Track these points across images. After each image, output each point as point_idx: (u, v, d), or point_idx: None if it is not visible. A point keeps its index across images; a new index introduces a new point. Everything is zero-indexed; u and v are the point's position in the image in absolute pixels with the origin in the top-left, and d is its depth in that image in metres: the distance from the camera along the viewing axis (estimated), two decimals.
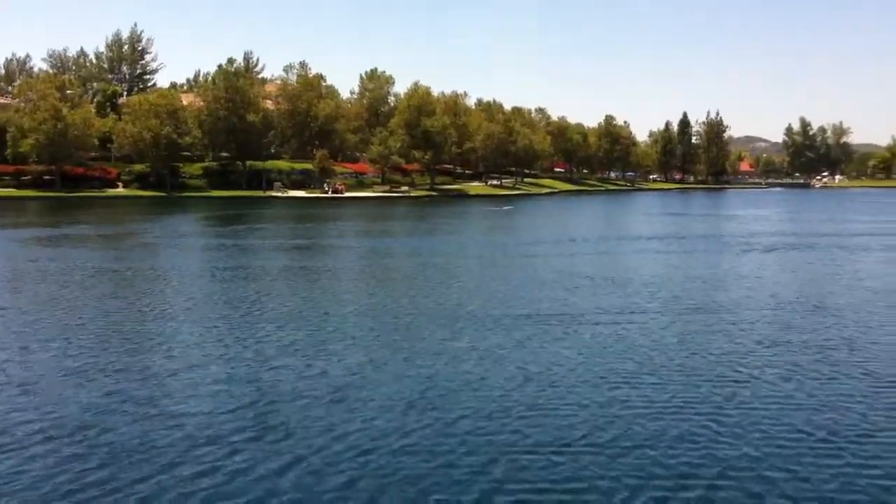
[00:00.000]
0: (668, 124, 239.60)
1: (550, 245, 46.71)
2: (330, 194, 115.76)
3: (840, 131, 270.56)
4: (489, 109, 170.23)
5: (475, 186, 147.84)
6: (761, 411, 14.22)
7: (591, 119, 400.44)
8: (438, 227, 61.72)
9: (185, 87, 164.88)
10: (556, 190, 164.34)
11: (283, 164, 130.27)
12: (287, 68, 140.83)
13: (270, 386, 15.57)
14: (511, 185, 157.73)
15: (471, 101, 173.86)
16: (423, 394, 15.10)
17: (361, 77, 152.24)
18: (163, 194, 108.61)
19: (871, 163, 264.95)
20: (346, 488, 10.78)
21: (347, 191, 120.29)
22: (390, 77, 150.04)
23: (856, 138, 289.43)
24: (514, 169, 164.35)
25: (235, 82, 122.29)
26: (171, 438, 12.54)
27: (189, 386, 15.56)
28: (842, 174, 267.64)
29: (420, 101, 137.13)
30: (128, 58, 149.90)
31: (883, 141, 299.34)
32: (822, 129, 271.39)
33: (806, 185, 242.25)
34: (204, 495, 10.52)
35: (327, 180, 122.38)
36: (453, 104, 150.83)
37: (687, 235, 56.09)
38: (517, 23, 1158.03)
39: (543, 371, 16.68)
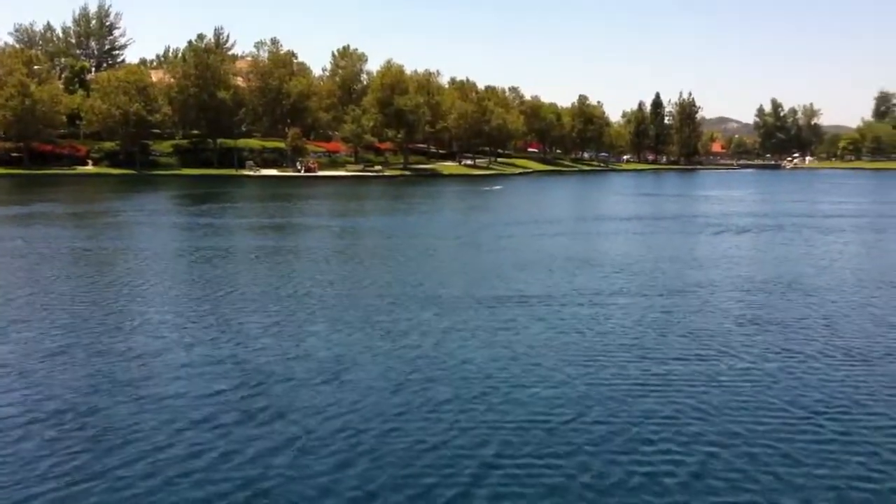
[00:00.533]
0: (641, 105, 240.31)
1: (531, 226, 46.63)
2: (303, 173, 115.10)
3: (810, 112, 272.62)
4: (462, 88, 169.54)
5: (448, 166, 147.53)
6: (741, 387, 14.43)
7: (564, 99, 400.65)
8: (415, 207, 61.50)
9: (155, 64, 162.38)
10: (529, 170, 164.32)
11: (254, 143, 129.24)
12: (258, 45, 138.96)
13: (249, 366, 15.44)
14: (484, 164, 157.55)
15: (444, 80, 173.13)
16: (406, 375, 15.05)
17: (334, 55, 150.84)
18: (133, 172, 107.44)
19: (841, 144, 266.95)
20: (338, 470, 10.73)
21: (320, 170, 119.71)
22: (363, 55, 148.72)
23: (826, 119, 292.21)
24: (487, 148, 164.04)
25: (206, 59, 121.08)
26: (154, 420, 12.42)
27: (168, 367, 15.41)
28: (812, 155, 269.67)
29: (393, 79, 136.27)
30: (96, 33, 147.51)
31: (852, 122, 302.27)
32: (793, 111, 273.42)
33: (777, 166, 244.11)
34: (189, 478, 10.42)
35: (300, 159, 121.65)
36: (426, 83, 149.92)
37: (663, 216, 56.37)
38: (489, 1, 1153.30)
39: (526, 352, 16.69)
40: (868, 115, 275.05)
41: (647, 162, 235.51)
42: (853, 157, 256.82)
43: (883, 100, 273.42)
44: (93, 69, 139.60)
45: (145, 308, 20.78)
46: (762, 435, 12.04)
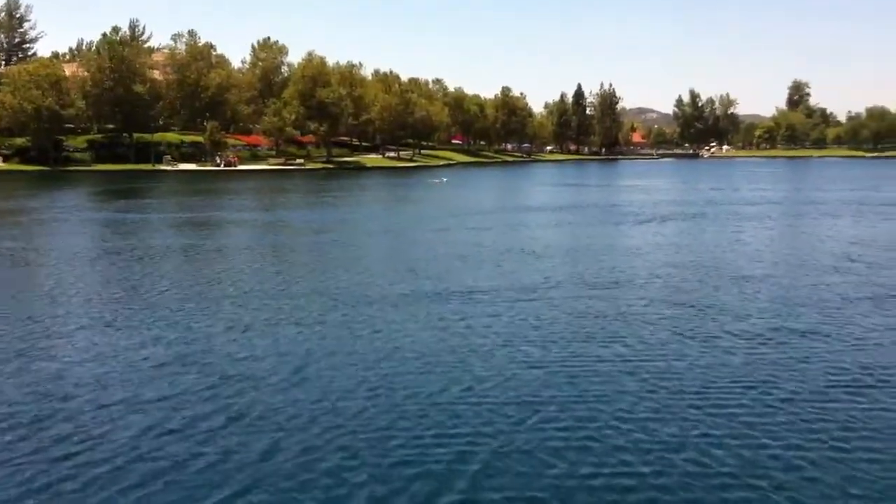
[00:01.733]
0: (563, 96, 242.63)
1: (461, 218, 46.49)
2: (222, 167, 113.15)
3: (727, 102, 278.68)
4: (386, 80, 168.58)
5: (372, 158, 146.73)
6: (659, 365, 14.76)
7: (488, 90, 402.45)
8: (340, 201, 61.05)
9: (68, 57, 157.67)
10: (453, 162, 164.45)
11: (172, 137, 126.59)
12: (175, 37, 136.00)
13: (166, 369, 15.00)
14: (409, 157, 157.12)
15: (367, 72, 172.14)
16: (347, 372, 14.80)
17: (253, 46, 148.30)
18: (46, 169, 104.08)
19: (757, 133, 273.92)
20: (288, 477, 10.48)
21: (240, 163, 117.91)
22: (283, 47, 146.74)
23: (742, 109, 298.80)
24: (411, 141, 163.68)
25: (121, 51, 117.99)
26: (68, 427, 11.93)
27: (84, 373, 14.88)
28: (729, 144, 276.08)
29: (315, 71, 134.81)
30: (5, 26, 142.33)
31: (767, 111, 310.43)
32: (711, 101, 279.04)
33: (695, 156, 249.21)
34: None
35: (219, 153, 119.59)
36: (349, 75, 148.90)
37: (589, 205, 57.10)
38: None
39: (459, 345, 16.67)
40: (782, 104, 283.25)
41: (569, 152, 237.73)
42: (768, 146, 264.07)
43: (796, 89, 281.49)
44: (2, 63, 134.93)
45: (61, 311, 19.97)
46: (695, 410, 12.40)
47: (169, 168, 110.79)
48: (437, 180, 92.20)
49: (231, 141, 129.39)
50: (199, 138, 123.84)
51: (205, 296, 21.74)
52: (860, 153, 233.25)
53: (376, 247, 33.24)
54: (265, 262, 28.59)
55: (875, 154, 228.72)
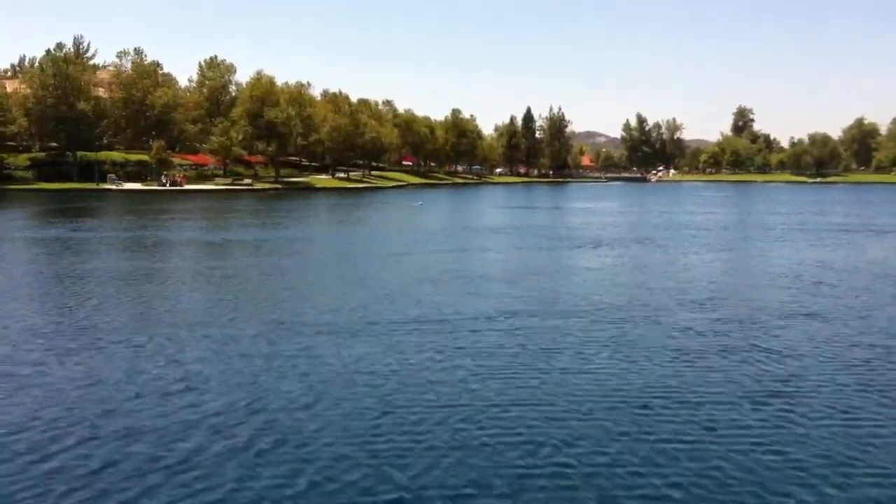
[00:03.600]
0: (512, 118, 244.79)
1: (420, 240, 45.88)
2: (168, 187, 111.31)
3: (674, 127, 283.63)
4: (335, 101, 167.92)
5: (322, 179, 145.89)
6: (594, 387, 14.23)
7: (438, 112, 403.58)
8: (291, 221, 60.26)
9: (10, 74, 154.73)
10: (404, 183, 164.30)
11: (117, 155, 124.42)
12: (121, 54, 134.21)
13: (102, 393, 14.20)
14: (359, 177, 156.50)
15: (316, 92, 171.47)
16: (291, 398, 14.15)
17: (200, 65, 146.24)
18: None
19: (703, 157, 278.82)
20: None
21: (187, 183, 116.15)
22: (231, 65, 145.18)
23: (688, 134, 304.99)
24: (361, 162, 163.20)
25: (65, 68, 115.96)
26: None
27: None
28: (675, 168, 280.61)
29: (263, 90, 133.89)
30: None
31: (713, 136, 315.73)
32: (658, 125, 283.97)
33: (643, 179, 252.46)
34: None
35: (165, 172, 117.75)
36: (298, 95, 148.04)
37: (542, 228, 57.00)
38: (361, 13, 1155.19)
39: (395, 374, 16.05)
40: (727, 129, 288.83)
41: (519, 175, 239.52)
42: (714, 170, 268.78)
43: (741, 115, 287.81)
44: None
45: None
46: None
47: (113, 187, 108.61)
48: (417, 203, 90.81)
49: (177, 160, 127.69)
50: (145, 157, 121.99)
51: (139, 322, 20.78)
52: (802, 179, 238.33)
53: (321, 271, 32.42)
54: (205, 286, 27.62)
55: (817, 180, 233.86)
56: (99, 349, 17.42)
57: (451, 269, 32.13)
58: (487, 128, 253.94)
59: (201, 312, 22.00)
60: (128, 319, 20.84)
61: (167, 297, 24.33)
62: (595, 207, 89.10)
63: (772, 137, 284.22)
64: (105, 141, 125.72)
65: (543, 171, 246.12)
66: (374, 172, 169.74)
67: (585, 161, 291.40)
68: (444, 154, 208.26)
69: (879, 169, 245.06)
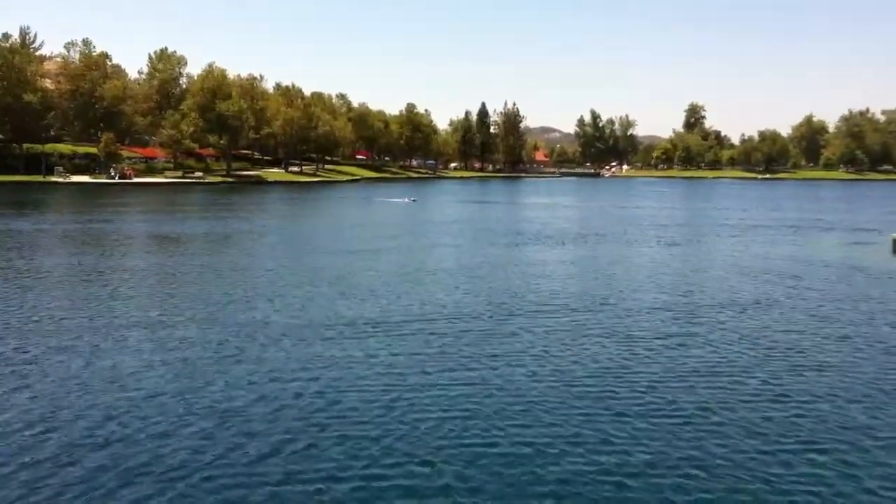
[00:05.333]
0: (467, 113, 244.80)
1: (377, 235, 45.85)
2: (117, 180, 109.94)
3: (627, 123, 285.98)
4: (288, 94, 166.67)
5: (274, 173, 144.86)
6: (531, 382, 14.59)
7: (393, 107, 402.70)
8: (235, 215, 59.91)
9: None
10: (358, 177, 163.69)
11: (64, 148, 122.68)
12: (69, 46, 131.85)
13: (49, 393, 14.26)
14: (312, 171, 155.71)
15: (269, 85, 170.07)
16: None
17: (150, 57, 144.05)
18: None
19: (655, 153, 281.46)
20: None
21: (137, 176, 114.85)
22: (182, 58, 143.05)
23: (641, 130, 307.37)
24: (314, 155, 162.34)
25: (10, 59, 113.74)
26: None
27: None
28: (629, 164, 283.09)
29: (215, 83, 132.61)
30: None
31: (665, 133, 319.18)
32: (611, 122, 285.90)
33: (596, 175, 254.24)
34: None
35: (114, 165, 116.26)
36: (250, 88, 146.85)
37: (496, 222, 57.35)
38: (316, 6, 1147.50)
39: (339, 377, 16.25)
40: (679, 126, 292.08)
41: (473, 169, 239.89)
42: (666, 166, 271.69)
43: (692, 112, 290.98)
44: None
45: None
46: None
47: (61, 180, 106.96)
48: (409, 200, 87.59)
49: (126, 153, 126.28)
50: (94, 150, 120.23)
51: (78, 322, 20.62)
52: (752, 175, 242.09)
53: (272, 266, 32.36)
54: (143, 284, 27.48)
55: (766, 176, 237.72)
56: (27, 353, 17.16)
57: (409, 266, 32.31)
58: (442, 123, 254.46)
59: (136, 312, 21.99)
60: (65, 319, 20.75)
61: (109, 297, 24.11)
62: (550, 202, 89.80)
63: (723, 134, 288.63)
64: (52, 133, 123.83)
65: (498, 167, 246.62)
66: (327, 166, 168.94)
67: (540, 156, 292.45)
68: (399, 148, 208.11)
69: (827, 166, 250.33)
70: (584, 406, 13.59)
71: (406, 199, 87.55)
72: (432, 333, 18.87)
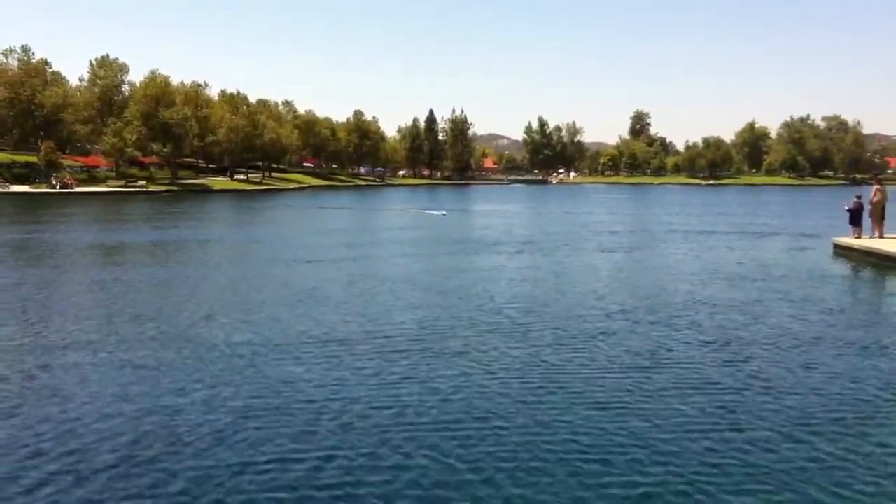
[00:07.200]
0: (415, 120, 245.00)
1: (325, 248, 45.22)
2: (58, 189, 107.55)
3: (574, 130, 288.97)
4: (233, 102, 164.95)
5: (220, 181, 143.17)
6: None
7: (340, 114, 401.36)
8: (177, 224, 58.72)
9: None
10: (305, 185, 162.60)
11: (3, 157, 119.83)
12: (7, 52, 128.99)
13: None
14: (258, 179, 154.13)
15: (213, 93, 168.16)
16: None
17: (92, 64, 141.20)
18: None
19: (602, 160, 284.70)
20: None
21: (78, 185, 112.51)
22: (124, 65, 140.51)
23: (588, 137, 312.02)
24: (261, 163, 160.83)
25: None
26: None
27: None
28: (576, 171, 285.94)
29: (158, 90, 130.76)
30: None
31: (611, 140, 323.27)
32: (558, 128, 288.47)
33: (544, 182, 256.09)
34: None
35: (55, 174, 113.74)
36: (194, 95, 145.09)
37: (448, 229, 56.91)
38: (263, 12, 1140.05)
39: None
40: (625, 133, 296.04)
41: (422, 177, 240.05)
42: (613, 173, 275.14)
43: (638, 119, 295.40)
44: None
45: None
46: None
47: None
48: (440, 212, 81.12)
49: (68, 162, 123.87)
50: (33, 159, 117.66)
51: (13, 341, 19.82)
52: (697, 181, 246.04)
53: (222, 278, 31.57)
54: (89, 298, 26.60)
55: (710, 182, 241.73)
56: None
57: (366, 274, 31.76)
58: (390, 130, 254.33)
59: (78, 328, 21.14)
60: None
61: (49, 312, 23.25)
62: (499, 210, 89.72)
63: (668, 141, 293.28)
64: None
65: (446, 174, 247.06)
66: (274, 174, 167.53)
67: (488, 163, 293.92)
68: (347, 156, 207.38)
69: (770, 171, 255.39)
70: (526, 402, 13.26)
71: (439, 212, 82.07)
72: (387, 349, 18.42)
